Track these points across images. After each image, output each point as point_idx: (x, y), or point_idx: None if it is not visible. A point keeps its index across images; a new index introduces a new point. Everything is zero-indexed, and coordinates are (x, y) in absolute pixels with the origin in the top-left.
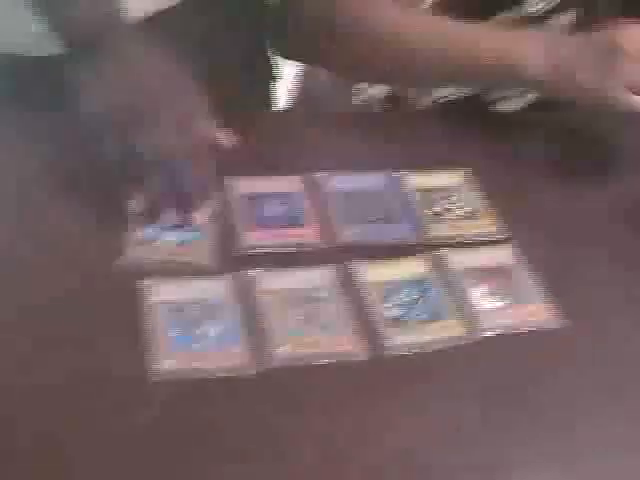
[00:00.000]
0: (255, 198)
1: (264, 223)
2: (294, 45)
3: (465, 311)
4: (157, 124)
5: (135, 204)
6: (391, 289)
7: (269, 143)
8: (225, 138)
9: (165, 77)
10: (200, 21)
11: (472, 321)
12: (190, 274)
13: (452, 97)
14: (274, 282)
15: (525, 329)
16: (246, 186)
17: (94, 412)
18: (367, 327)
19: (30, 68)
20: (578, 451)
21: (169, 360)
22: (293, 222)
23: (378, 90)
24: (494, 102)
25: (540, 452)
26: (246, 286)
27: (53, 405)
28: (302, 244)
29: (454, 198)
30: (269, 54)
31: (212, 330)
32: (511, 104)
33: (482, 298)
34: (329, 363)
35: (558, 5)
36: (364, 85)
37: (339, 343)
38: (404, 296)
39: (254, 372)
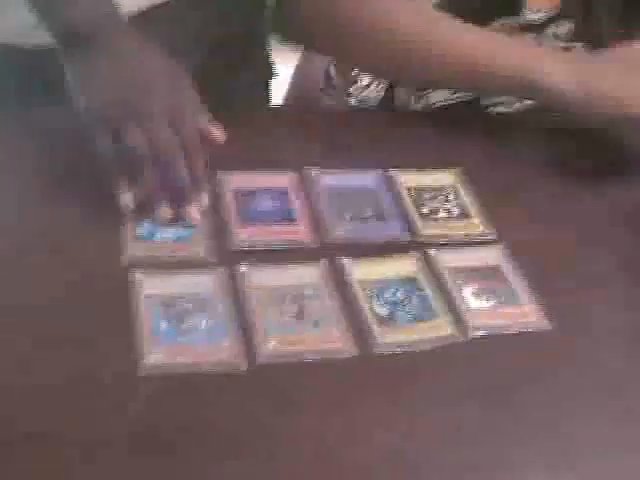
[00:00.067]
0: (247, 194)
1: (256, 218)
2: (294, 30)
3: (455, 311)
4: (150, 119)
5: (129, 199)
6: (381, 287)
7: (262, 139)
8: (218, 133)
9: (158, 72)
10: (194, 16)
11: (461, 321)
12: (188, 270)
13: (450, 102)
14: (264, 278)
15: (515, 330)
16: (239, 181)
17: (94, 412)
18: (357, 325)
19: (25, 59)
20: (577, 451)
21: (155, 355)
22: (285, 218)
23: (374, 93)
24: (494, 105)
25: (536, 452)
26: (236, 282)
27: (53, 405)
28: (293, 241)
29: (445, 198)
30: (264, 51)
31: (202, 323)
32: (510, 108)
33: (472, 298)
34: (319, 360)
35: (557, 14)
36: (361, 84)
37: (329, 340)
38: (394, 295)
39: (244, 368)
